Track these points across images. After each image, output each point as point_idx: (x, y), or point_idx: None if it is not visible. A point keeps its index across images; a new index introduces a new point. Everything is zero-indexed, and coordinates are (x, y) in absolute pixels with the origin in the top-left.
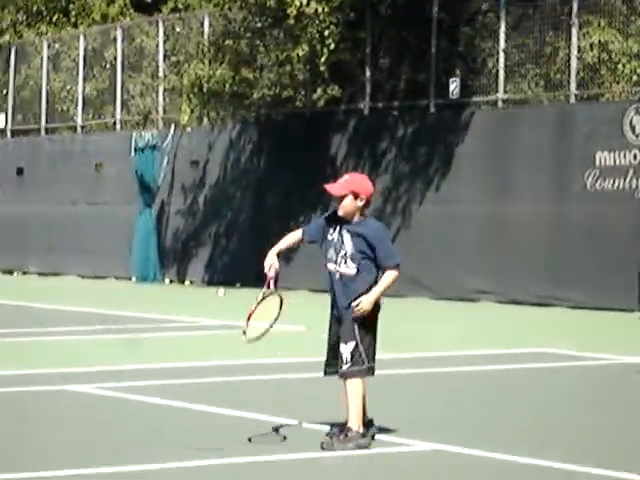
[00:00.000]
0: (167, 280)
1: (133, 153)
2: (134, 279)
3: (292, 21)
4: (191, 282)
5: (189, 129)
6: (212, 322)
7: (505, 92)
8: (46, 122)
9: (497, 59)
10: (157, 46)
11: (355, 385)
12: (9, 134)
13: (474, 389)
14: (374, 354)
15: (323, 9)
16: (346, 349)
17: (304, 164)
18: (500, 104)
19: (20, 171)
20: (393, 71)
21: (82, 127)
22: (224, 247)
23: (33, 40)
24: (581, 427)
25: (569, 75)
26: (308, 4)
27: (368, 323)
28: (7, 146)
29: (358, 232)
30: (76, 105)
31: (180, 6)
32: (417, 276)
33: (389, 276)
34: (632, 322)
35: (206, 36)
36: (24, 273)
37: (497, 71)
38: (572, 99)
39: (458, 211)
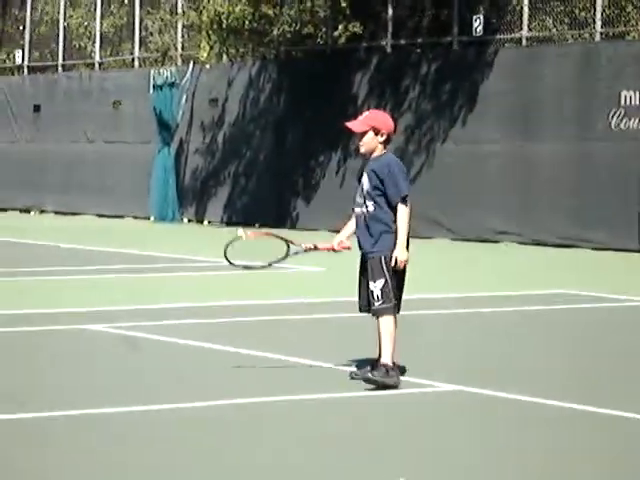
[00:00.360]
0: (185, 220)
1: (151, 91)
2: (152, 219)
3: None
4: (209, 222)
5: (208, 66)
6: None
7: (529, 30)
8: (63, 59)
9: None
10: None
11: (388, 322)
12: (26, 71)
13: (497, 331)
14: (401, 292)
15: None
16: (376, 287)
17: (325, 103)
18: (524, 42)
19: (37, 108)
20: (415, 8)
21: (100, 64)
22: (243, 187)
23: None
24: (604, 370)
25: (594, 13)
26: None
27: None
28: (24, 83)
29: (373, 168)
30: (94, 42)
31: None
32: (439, 216)
33: (401, 213)
34: None
35: None
36: (41, 212)
37: (521, 8)
38: (597, 37)
39: (481, 150)
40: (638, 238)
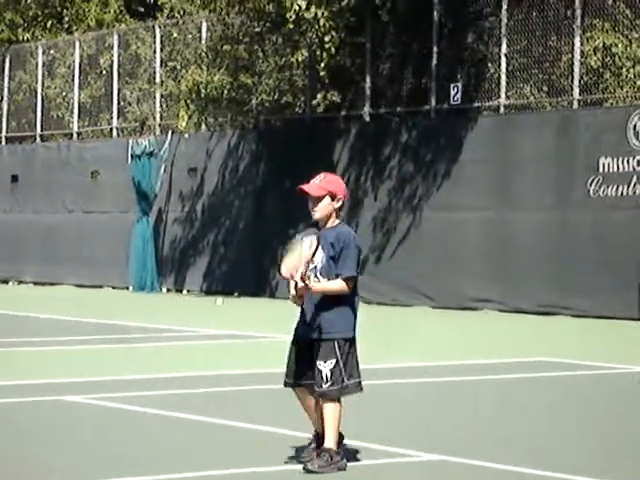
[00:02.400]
0: (165, 289)
1: (130, 160)
2: (131, 288)
3: (291, 26)
4: (189, 291)
5: (186, 136)
6: (210, 331)
7: (507, 97)
8: (41, 129)
9: (499, 64)
10: (154, 52)
11: (334, 407)
12: (4, 141)
13: (477, 400)
14: (358, 369)
15: (323, 14)
16: (326, 367)
17: (304, 171)
18: (502, 109)
19: (15, 178)
20: (394, 76)
21: (78, 134)
22: (222, 256)
23: (28, 46)
24: (585, 437)
25: (572, 80)
26: (307, 8)
27: (349, 340)
28: (1, 153)
29: (330, 240)
30: (72, 112)
31: (177, 14)
32: (418, 284)
33: (336, 283)
34: (636, 330)
35: (204, 41)
36: (20, 282)
37: (499, 76)
38: (575, 104)
39: (461, 217)
40: (638, 308)
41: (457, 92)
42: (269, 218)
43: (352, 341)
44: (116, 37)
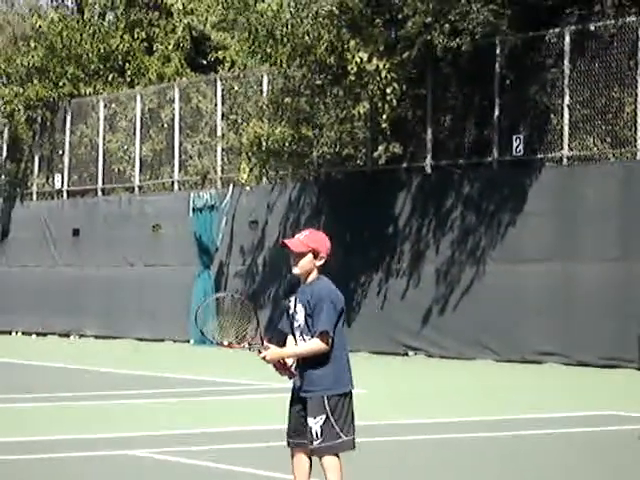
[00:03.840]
0: (226, 342)
1: (191, 214)
2: (192, 342)
3: (352, 78)
4: (250, 345)
5: (248, 189)
6: (273, 385)
7: (570, 149)
8: (103, 183)
9: (562, 115)
10: (215, 105)
11: (332, 462)
12: (65, 195)
13: (541, 453)
14: (353, 425)
15: (384, 65)
16: (316, 424)
17: (365, 223)
18: (565, 161)
19: (76, 232)
20: (456, 128)
21: (139, 188)
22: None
23: (89, 99)
24: None
25: (635, 131)
26: (369, 61)
27: (340, 395)
28: (63, 207)
29: (307, 297)
30: (133, 165)
31: (237, 68)
32: (482, 337)
33: (313, 343)
34: None
35: (265, 94)
36: (81, 336)
37: (562, 128)
38: (639, 155)
39: (524, 269)
40: None
41: (519, 144)
42: (330, 270)
43: (345, 396)
44: (177, 90)
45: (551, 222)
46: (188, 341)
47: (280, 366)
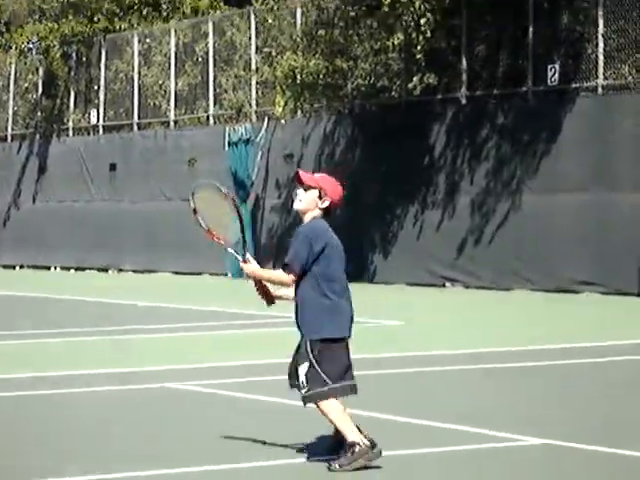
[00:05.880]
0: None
1: (227, 148)
2: (229, 275)
3: (387, 9)
4: None
5: (283, 122)
6: None
7: (605, 78)
8: (138, 117)
9: (596, 44)
10: (249, 38)
11: (327, 407)
12: (101, 130)
13: (579, 382)
14: (346, 371)
15: None
16: (301, 371)
17: (400, 155)
18: (600, 90)
19: (113, 167)
20: (490, 58)
21: (175, 122)
22: None
23: (124, 35)
24: None
25: None
26: None
27: (327, 341)
28: (99, 142)
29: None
30: (168, 100)
31: (271, 0)
32: (518, 267)
33: (276, 272)
34: None
35: (299, 27)
36: (119, 270)
37: (596, 57)
38: None
39: (559, 199)
40: None
41: (554, 73)
42: (365, 203)
43: (333, 342)
44: (211, 24)
45: (586, 151)
46: (225, 274)
47: (260, 288)
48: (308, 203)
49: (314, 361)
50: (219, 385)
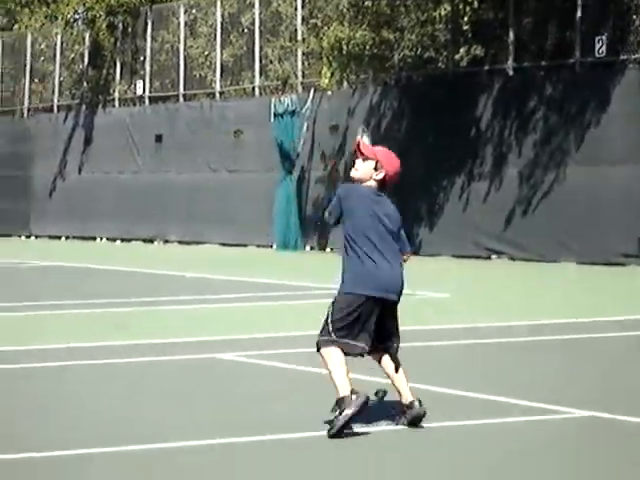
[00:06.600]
0: (308, 248)
1: (272, 119)
2: (275, 247)
3: None
4: (332, 249)
5: (329, 93)
6: None
7: None
8: (184, 89)
9: None
10: (295, 9)
11: (324, 354)
12: (147, 101)
13: (622, 355)
14: (360, 331)
15: None
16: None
17: (447, 127)
18: None
19: (159, 138)
20: (537, 30)
21: (220, 93)
22: None
23: (170, 5)
24: None
25: None
26: None
27: (342, 294)
28: (145, 113)
29: None
30: (214, 71)
31: None
32: (564, 239)
33: None
34: None
35: None
36: (165, 242)
37: None
38: None
39: (607, 172)
40: None
41: (602, 45)
42: (412, 175)
43: (349, 295)
44: None
45: (634, 124)
46: (271, 246)
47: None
48: (364, 173)
49: (330, 310)
50: (263, 356)
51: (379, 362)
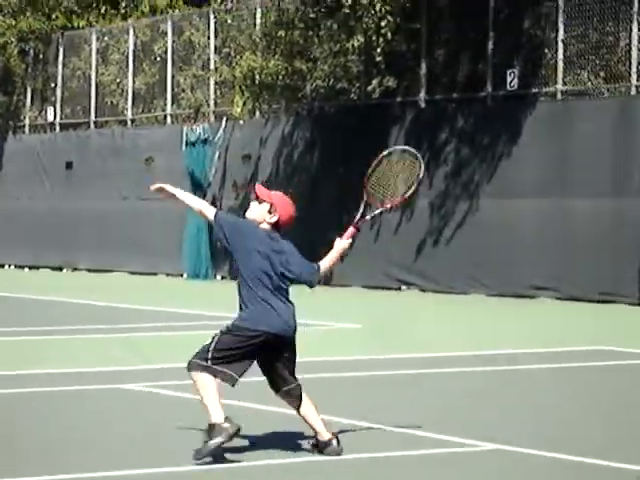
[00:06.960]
0: (219, 277)
1: (184, 147)
2: (185, 276)
3: (347, 11)
4: None
5: (241, 122)
6: None
7: (564, 83)
8: (95, 116)
9: (556, 49)
10: (208, 38)
11: (196, 379)
12: (58, 127)
13: (533, 387)
14: (234, 361)
15: None
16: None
17: (359, 158)
18: (559, 95)
19: (69, 165)
20: (450, 62)
21: (132, 121)
22: None
23: (82, 32)
24: None
25: (630, 66)
26: None
27: (232, 326)
28: (56, 140)
29: None
30: (126, 99)
31: (230, 0)
32: (474, 271)
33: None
34: None
35: (258, 27)
36: (74, 269)
37: (556, 62)
38: (633, 90)
39: (517, 205)
40: None
41: (513, 78)
42: (323, 206)
43: (232, 329)
44: (170, 23)
45: (545, 157)
46: (181, 275)
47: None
48: (258, 214)
49: (217, 338)
50: (176, 387)
51: (289, 404)
